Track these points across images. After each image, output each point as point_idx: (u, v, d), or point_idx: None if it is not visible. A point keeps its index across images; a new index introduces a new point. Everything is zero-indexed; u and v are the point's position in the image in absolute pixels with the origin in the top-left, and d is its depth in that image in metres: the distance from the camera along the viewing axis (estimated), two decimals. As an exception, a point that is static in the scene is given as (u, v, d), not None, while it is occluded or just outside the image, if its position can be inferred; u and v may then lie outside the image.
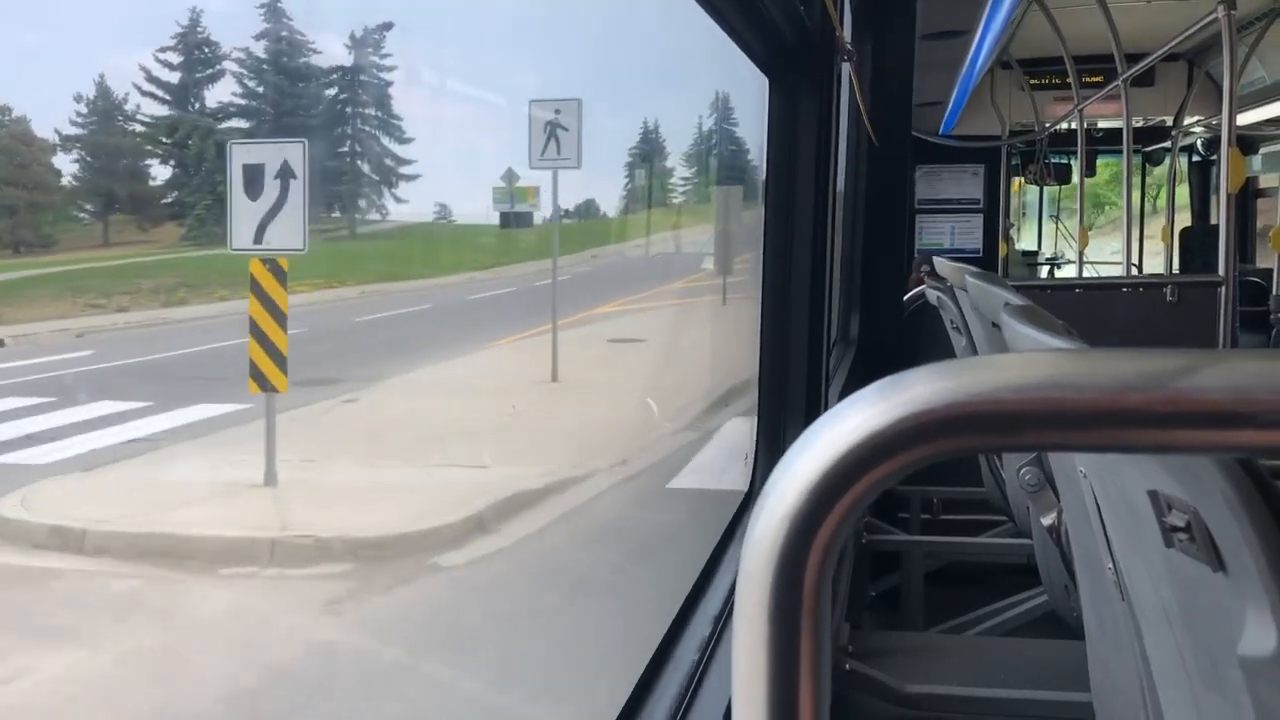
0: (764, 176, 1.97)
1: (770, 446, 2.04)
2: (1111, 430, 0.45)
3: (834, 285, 2.18)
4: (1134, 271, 8.91)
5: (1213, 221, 9.80)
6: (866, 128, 4.06)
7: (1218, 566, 0.63)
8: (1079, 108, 7.44)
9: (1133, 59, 6.10)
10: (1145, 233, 11.33)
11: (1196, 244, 9.41)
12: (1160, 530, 0.70)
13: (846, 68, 2.19)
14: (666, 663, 1.39)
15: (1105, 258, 11.24)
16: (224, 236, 5.58)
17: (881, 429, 0.45)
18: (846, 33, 2.36)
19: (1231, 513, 0.58)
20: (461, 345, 11.09)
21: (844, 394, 3.33)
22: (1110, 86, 6.71)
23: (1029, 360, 0.48)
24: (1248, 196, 9.28)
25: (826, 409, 1.74)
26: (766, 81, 1.88)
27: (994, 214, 8.65)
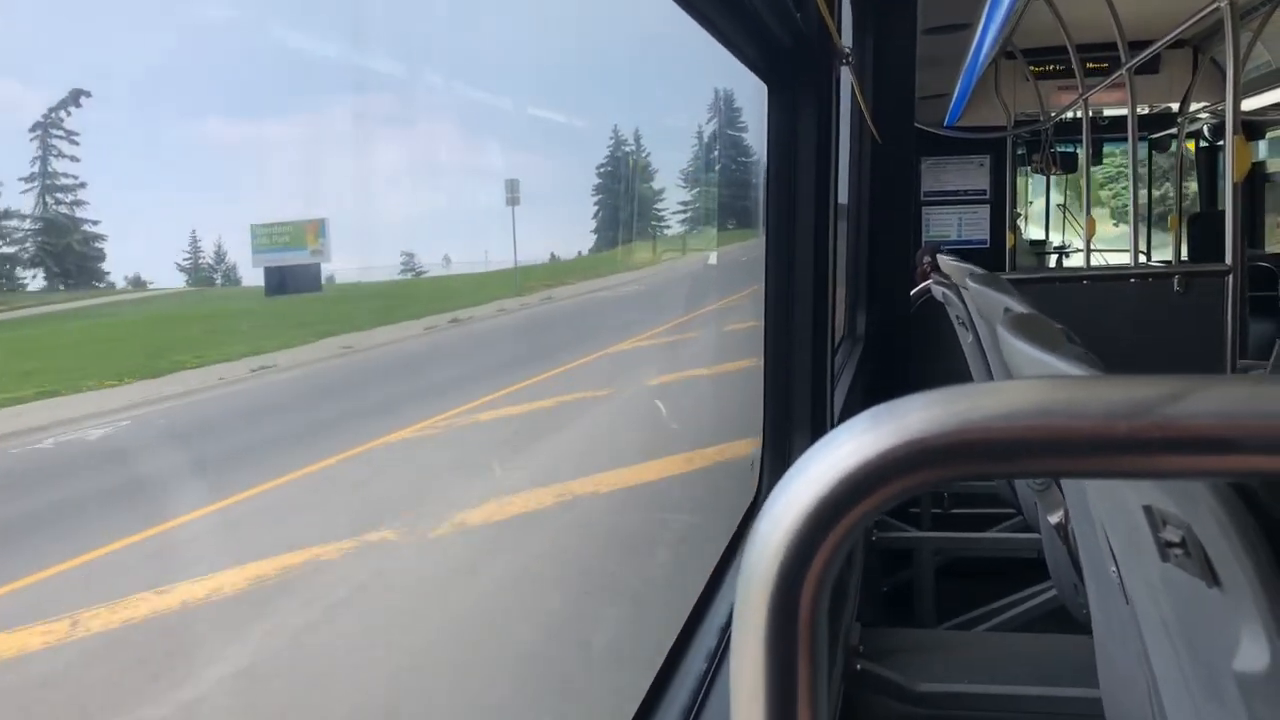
0: (765, 184, 1.98)
1: (776, 455, 2.05)
2: (1101, 458, 0.46)
3: (837, 288, 2.19)
4: (1142, 260, 8.89)
5: (1220, 208, 9.77)
6: (869, 124, 4.06)
7: (1212, 583, 0.64)
8: (1084, 96, 7.42)
9: (1136, 46, 6.08)
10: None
11: (1204, 231, 9.38)
12: (1156, 545, 0.71)
13: (846, 69, 2.19)
14: (674, 674, 1.40)
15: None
16: None
17: (873, 458, 0.46)
18: (846, 32, 2.36)
19: (1223, 532, 0.59)
20: None
21: (850, 393, 3.33)
22: (1115, 75, 6.69)
23: (1019, 388, 0.49)
24: (1255, 182, 9.25)
25: (832, 412, 1.75)
26: (765, 89, 1.89)
27: (1001, 204, 8.65)
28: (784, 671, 0.48)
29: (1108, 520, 0.96)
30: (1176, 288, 4.50)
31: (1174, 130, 9.38)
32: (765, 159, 1.94)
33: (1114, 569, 1.06)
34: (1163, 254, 10.78)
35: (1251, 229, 9.11)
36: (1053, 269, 11.04)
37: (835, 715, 2.05)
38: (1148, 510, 0.70)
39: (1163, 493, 0.67)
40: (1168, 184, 11.44)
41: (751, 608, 0.46)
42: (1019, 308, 1.31)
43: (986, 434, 0.46)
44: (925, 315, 4.44)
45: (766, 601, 0.46)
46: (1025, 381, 0.49)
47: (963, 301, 2.94)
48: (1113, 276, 5.47)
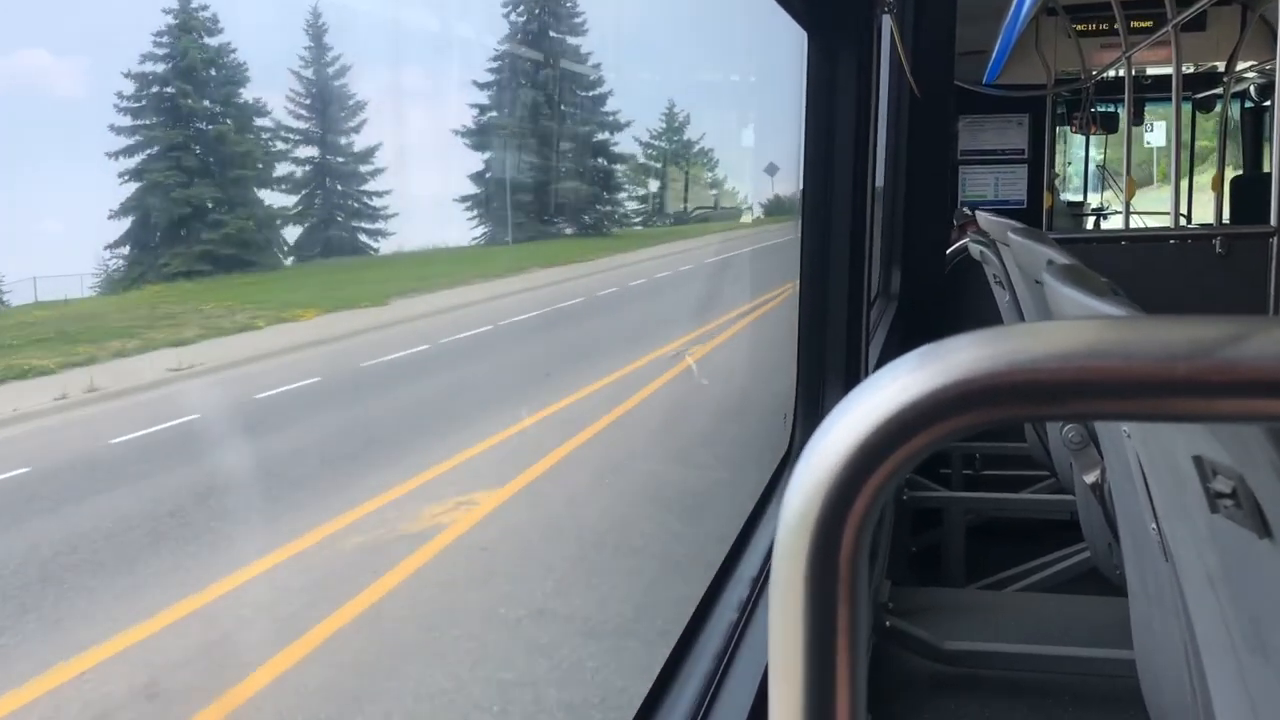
0: (802, 132, 1.95)
1: (809, 406, 2.04)
2: (1157, 400, 0.44)
3: (874, 242, 2.16)
4: (1182, 222, 8.74)
5: (1265, 170, 9.57)
6: (908, 79, 3.99)
7: (1264, 533, 0.62)
8: (1127, 54, 7.26)
9: (1183, 3, 5.93)
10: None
11: (1248, 194, 9.20)
12: (1205, 495, 0.69)
13: (887, 19, 2.15)
14: (705, 623, 1.40)
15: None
16: None
17: (920, 398, 0.44)
18: (888, -19, 2.31)
19: (1279, 479, 0.57)
20: None
21: (884, 351, 3.33)
22: (1160, 32, 6.54)
23: (1072, 328, 0.47)
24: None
25: (866, 367, 1.74)
26: (805, 36, 1.86)
27: (1039, 164, 8.51)
28: (823, 613, 0.47)
29: (1152, 473, 0.94)
30: (1218, 249, 4.42)
31: (1219, 90, 9.18)
32: (804, 109, 1.91)
33: (1154, 526, 1.04)
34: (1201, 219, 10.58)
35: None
36: (1091, 230, 10.89)
37: None
38: (1197, 460, 0.68)
39: (1215, 441, 0.65)
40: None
41: (793, 544, 0.45)
42: (1063, 259, 1.29)
43: (1039, 375, 0.44)
44: (960, 276, 4.39)
45: (809, 537, 0.45)
46: (1079, 321, 0.48)
47: (1000, 259, 2.90)
48: (1152, 238, 5.38)
